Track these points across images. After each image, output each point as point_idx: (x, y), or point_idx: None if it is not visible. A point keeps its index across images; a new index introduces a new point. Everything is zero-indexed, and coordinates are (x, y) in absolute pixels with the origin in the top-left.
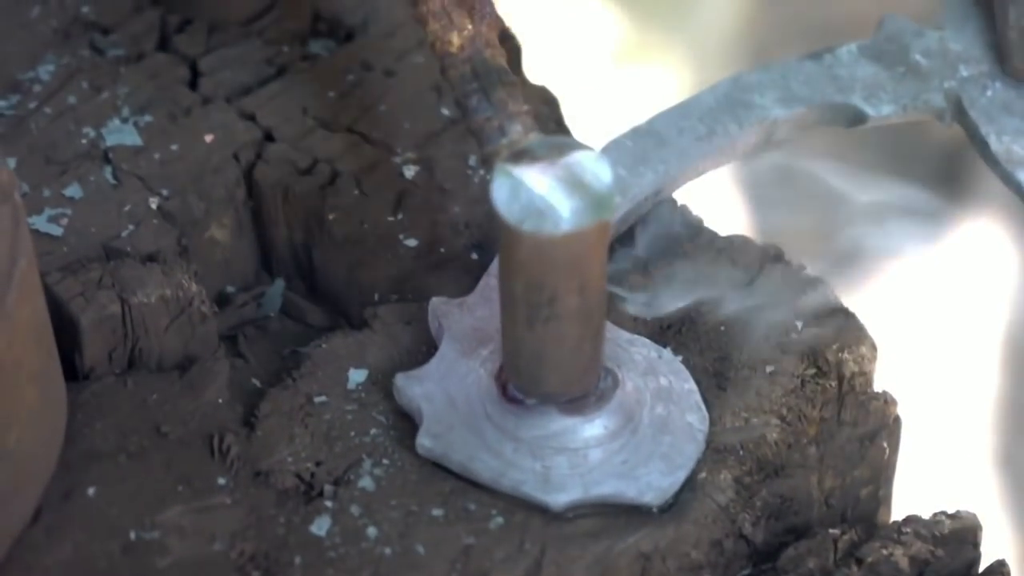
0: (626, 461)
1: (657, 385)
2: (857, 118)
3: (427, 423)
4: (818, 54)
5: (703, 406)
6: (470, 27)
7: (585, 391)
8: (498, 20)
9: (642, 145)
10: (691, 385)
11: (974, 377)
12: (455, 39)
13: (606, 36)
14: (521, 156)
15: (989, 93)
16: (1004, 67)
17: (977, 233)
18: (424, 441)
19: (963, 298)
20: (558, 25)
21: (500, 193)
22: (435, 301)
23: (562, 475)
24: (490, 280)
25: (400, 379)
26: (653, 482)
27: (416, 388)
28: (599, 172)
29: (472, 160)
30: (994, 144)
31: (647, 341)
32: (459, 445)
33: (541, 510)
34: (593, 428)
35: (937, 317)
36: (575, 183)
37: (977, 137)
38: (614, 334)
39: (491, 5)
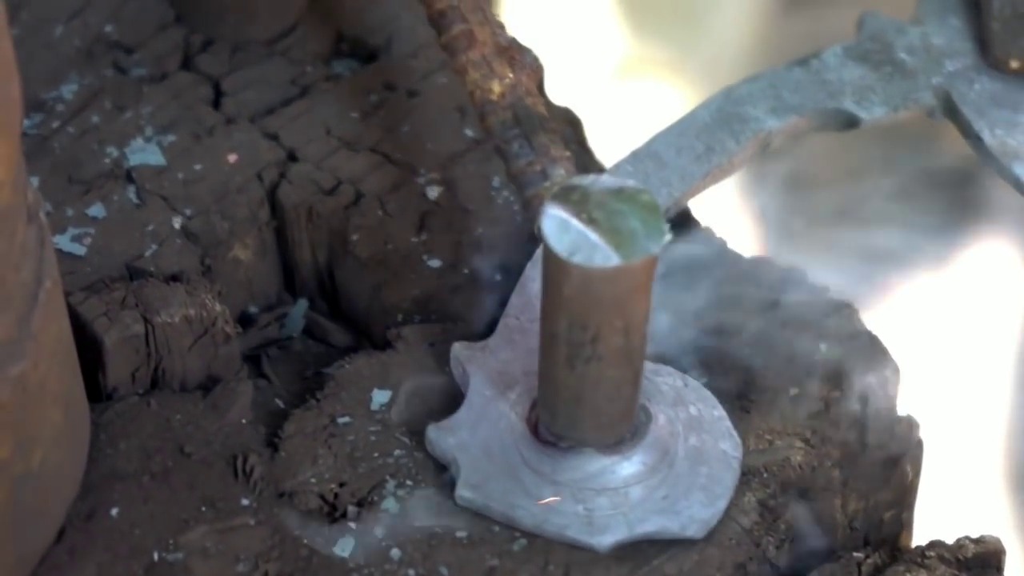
0: (667, 496)
1: (688, 415)
2: (850, 122)
3: (464, 474)
4: (805, 60)
5: (734, 432)
6: (511, 75)
7: (621, 436)
8: (538, 70)
9: (643, 168)
10: (720, 412)
11: (987, 398)
12: (496, 87)
13: (611, 51)
14: (570, 193)
15: (976, 86)
16: (987, 59)
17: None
18: (464, 493)
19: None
20: (563, 39)
21: (550, 227)
22: (457, 347)
23: (605, 516)
24: (509, 321)
25: (432, 431)
26: (695, 515)
27: (449, 439)
28: (648, 209)
29: (496, 181)
30: (988, 138)
31: (671, 370)
32: (498, 494)
33: None
34: (631, 466)
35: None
36: (624, 220)
37: (970, 132)
38: None
39: (532, 55)
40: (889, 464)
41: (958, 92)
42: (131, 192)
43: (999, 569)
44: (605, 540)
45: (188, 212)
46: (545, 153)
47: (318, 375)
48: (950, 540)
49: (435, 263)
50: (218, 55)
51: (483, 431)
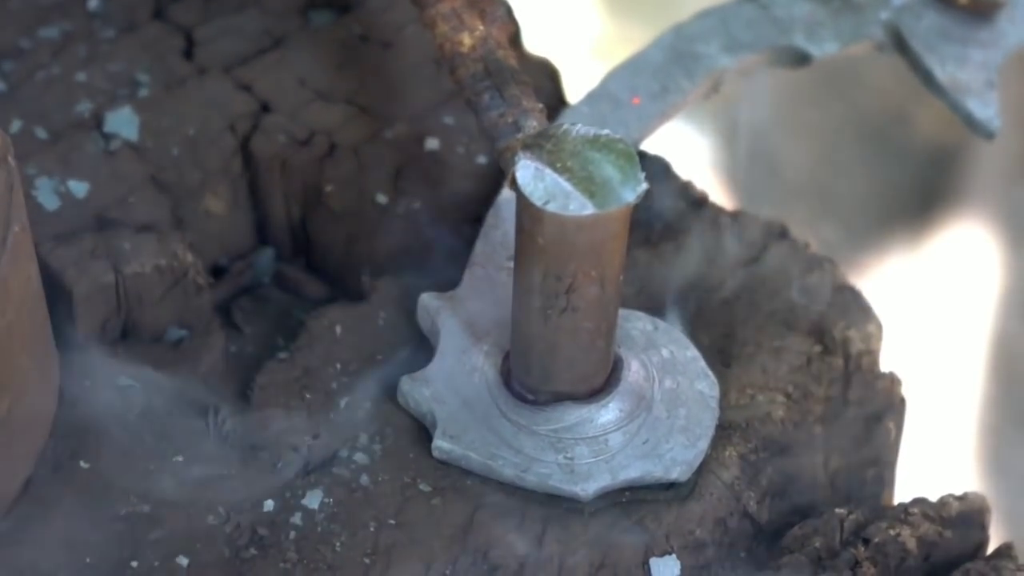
0: (647, 441)
1: (660, 358)
2: (801, 58)
3: (442, 425)
4: None
5: (709, 372)
6: (481, 28)
7: (596, 387)
8: (511, 23)
9: (599, 110)
10: (693, 352)
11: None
12: (466, 39)
13: (586, 30)
14: (543, 141)
15: (925, 21)
16: None
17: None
18: (442, 444)
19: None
20: (538, 18)
21: (523, 176)
22: (425, 297)
23: (587, 464)
24: (475, 270)
25: (406, 383)
26: (677, 457)
27: (424, 391)
28: (624, 157)
29: (470, 133)
30: (939, 73)
31: (641, 314)
32: (478, 445)
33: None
34: (609, 413)
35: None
36: (599, 168)
37: (921, 67)
38: None
39: (505, 8)
40: (871, 421)
41: (907, 27)
42: (101, 142)
43: (983, 527)
44: (588, 488)
45: (159, 163)
46: (516, 105)
47: (290, 326)
48: (934, 498)
49: (409, 215)
50: (191, 4)
51: (457, 382)
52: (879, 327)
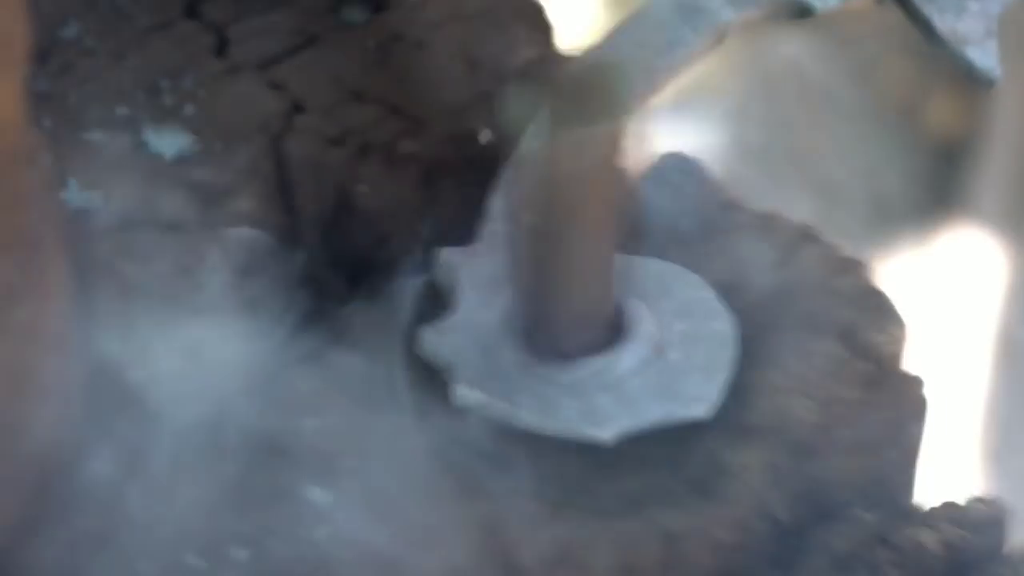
0: (665, 384)
1: (673, 303)
2: (803, 11)
3: (464, 374)
4: None
5: (725, 309)
6: None
7: (596, 335)
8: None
9: None
10: (707, 292)
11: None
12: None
13: (579, 18)
14: (534, 72)
15: None
16: None
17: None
18: (463, 390)
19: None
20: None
21: (513, 108)
22: (445, 252)
23: (607, 410)
24: (494, 225)
25: (428, 332)
26: (696, 393)
27: (445, 340)
28: (615, 76)
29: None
30: (938, 23)
31: (654, 260)
32: (499, 393)
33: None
34: (625, 361)
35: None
36: (589, 88)
37: (919, 17)
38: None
39: None
40: (897, 424)
41: None
42: (132, 141)
43: (1005, 530)
44: (610, 430)
45: (190, 162)
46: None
47: (319, 327)
48: (958, 501)
49: (441, 216)
50: (223, 2)
51: (477, 334)
52: (904, 330)
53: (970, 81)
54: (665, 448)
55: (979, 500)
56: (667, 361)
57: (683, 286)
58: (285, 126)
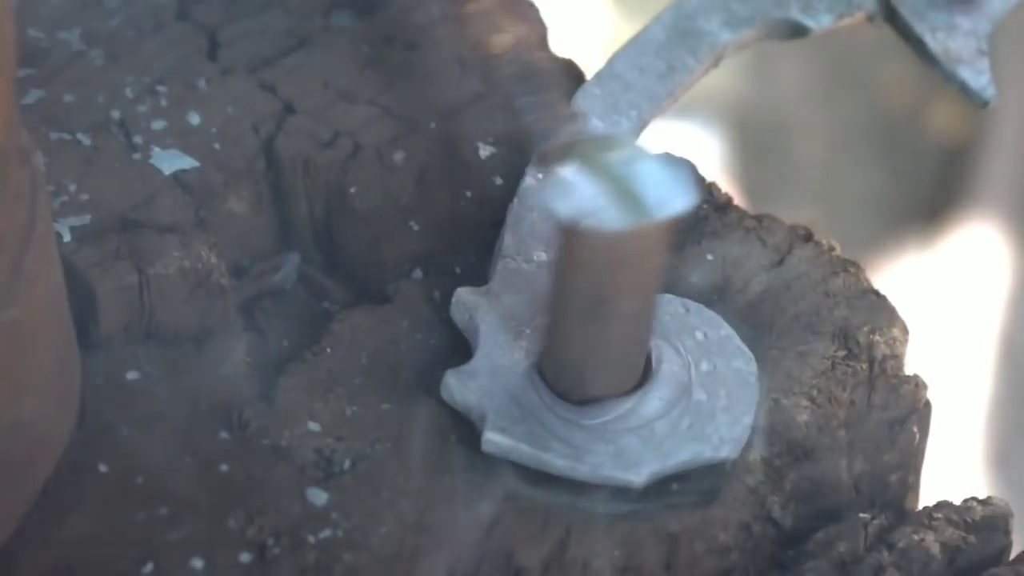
0: (691, 425)
1: (695, 341)
2: (798, 31)
3: (492, 419)
4: None
5: (745, 348)
6: (514, 29)
7: (626, 391)
8: (541, 25)
9: (610, 91)
10: (727, 330)
11: (970, 378)
12: (499, 41)
13: (596, 27)
14: (579, 153)
15: None
16: None
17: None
18: (493, 437)
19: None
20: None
21: (558, 189)
22: (461, 292)
23: (636, 452)
24: (508, 263)
25: (451, 377)
26: (724, 435)
27: (471, 385)
28: (666, 167)
29: (491, 138)
30: (930, 43)
31: (671, 297)
32: (528, 438)
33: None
34: (652, 403)
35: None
36: (639, 178)
37: (912, 37)
38: None
39: (535, 9)
40: (896, 425)
41: None
42: (125, 143)
43: (1006, 532)
44: (642, 473)
45: (183, 164)
46: (552, 109)
47: (313, 328)
48: (959, 503)
49: (433, 218)
50: (214, 5)
51: (502, 377)
52: (904, 331)
53: (965, 99)
54: None
55: (980, 502)
56: (693, 402)
57: (703, 324)
58: (277, 128)
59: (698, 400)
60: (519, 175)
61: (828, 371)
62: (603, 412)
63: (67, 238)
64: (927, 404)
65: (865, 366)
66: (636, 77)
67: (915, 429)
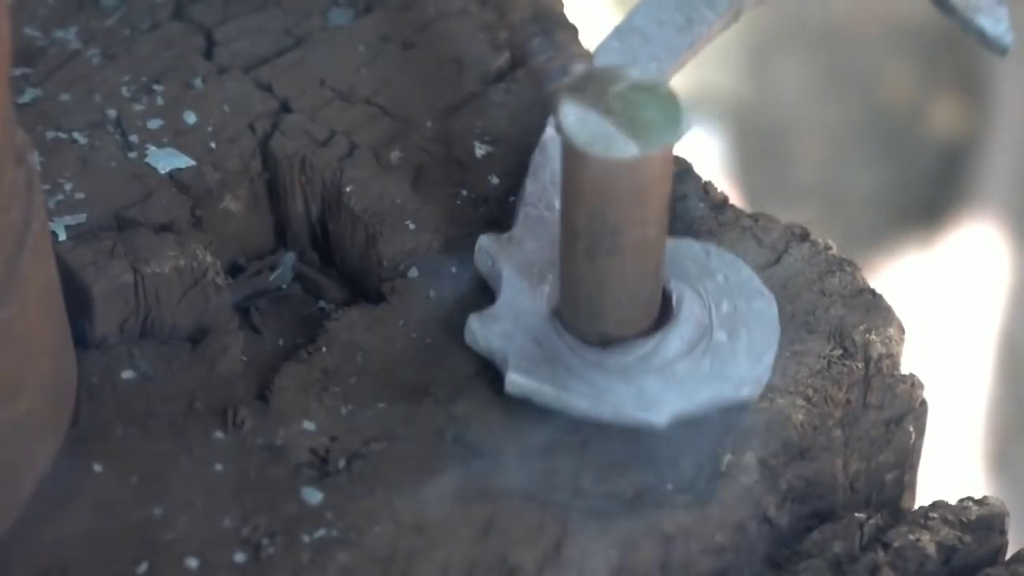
0: (712, 365)
1: (715, 283)
2: None
3: (514, 360)
4: None
5: (765, 289)
6: None
7: (641, 330)
8: None
9: (629, 44)
10: (748, 272)
11: (969, 378)
12: None
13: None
14: (588, 84)
15: None
16: None
17: (975, 234)
18: (516, 377)
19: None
20: None
21: (568, 120)
22: (483, 239)
23: (657, 393)
24: (529, 210)
25: (474, 321)
26: (745, 375)
27: (494, 327)
28: (667, 100)
29: (487, 137)
30: None
31: (691, 241)
32: (550, 379)
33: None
34: (673, 344)
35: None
36: (643, 111)
37: None
38: None
39: None
40: (892, 425)
41: None
42: (121, 142)
43: (1002, 531)
44: (663, 413)
45: (179, 162)
46: (564, 49)
47: (309, 327)
48: (955, 503)
49: (429, 216)
50: (211, 4)
51: (523, 321)
52: (900, 330)
53: (983, 47)
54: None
55: (976, 501)
56: (714, 342)
57: (723, 266)
58: (273, 127)
59: (719, 340)
60: (515, 174)
61: (824, 370)
62: (624, 353)
63: (62, 237)
64: (923, 403)
65: (861, 365)
66: (655, 30)
67: (911, 428)
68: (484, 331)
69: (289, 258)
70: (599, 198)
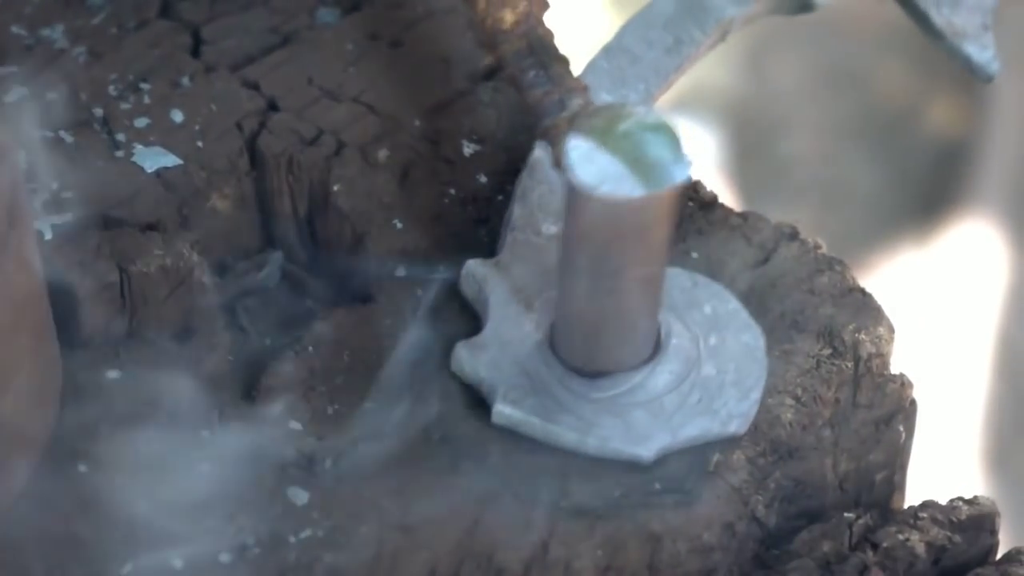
0: (700, 399)
1: (703, 315)
2: (804, 6)
3: (502, 391)
4: None
5: (752, 322)
6: (523, 4)
7: (636, 365)
8: (545, 1)
9: (617, 64)
10: (735, 304)
11: (967, 378)
12: (508, 16)
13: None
14: (592, 123)
15: None
16: None
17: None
18: (503, 409)
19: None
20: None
21: (574, 158)
22: (471, 264)
23: (645, 426)
24: (516, 235)
25: (462, 349)
26: (732, 411)
27: (481, 356)
28: (669, 137)
29: (475, 136)
30: (935, 17)
31: (678, 270)
32: (538, 410)
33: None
34: (661, 377)
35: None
36: (647, 149)
37: (917, 11)
38: None
39: None
40: (881, 424)
41: None
42: (107, 140)
43: (992, 532)
44: (651, 448)
45: (166, 161)
46: (561, 83)
47: (296, 327)
48: (942, 501)
49: (417, 215)
50: (198, 2)
51: (512, 350)
52: (890, 329)
53: (969, 74)
54: None
55: (967, 501)
56: (702, 376)
57: (710, 297)
58: (260, 125)
59: (707, 374)
60: (503, 173)
61: (813, 370)
62: (613, 385)
63: (48, 236)
64: (913, 403)
65: (850, 364)
66: (644, 50)
67: (901, 428)
68: (471, 360)
69: (276, 257)
70: (603, 239)
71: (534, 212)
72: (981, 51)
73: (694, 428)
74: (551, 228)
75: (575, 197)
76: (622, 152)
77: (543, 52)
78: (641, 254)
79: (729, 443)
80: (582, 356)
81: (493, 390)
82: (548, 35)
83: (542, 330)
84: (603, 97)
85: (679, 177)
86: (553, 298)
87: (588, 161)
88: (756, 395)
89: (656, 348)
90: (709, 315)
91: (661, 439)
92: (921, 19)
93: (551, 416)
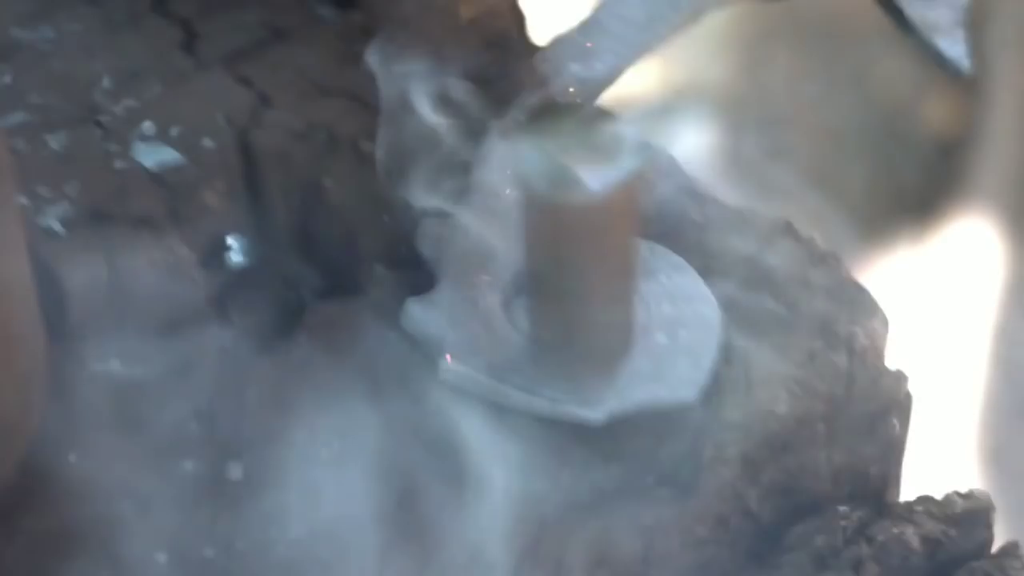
0: (651, 366)
1: (658, 284)
2: None
3: (450, 347)
4: None
5: (709, 293)
6: None
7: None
8: None
9: (588, 37)
10: (691, 275)
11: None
12: (465, 11)
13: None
14: (542, 122)
15: None
16: None
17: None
18: (451, 366)
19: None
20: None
21: (522, 162)
22: (427, 223)
23: (595, 391)
24: (475, 197)
25: (413, 305)
26: (683, 377)
27: (433, 313)
28: (626, 135)
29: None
30: (908, 10)
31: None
32: (487, 369)
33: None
34: None
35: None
36: (600, 144)
37: (890, 5)
38: None
39: None
40: (876, 418)
41: None
42: (98, 135)
43: (988, 525)
44: (599, 412)
45: (157, 157)
46: (519, 79)
47: (287, 321)
48: (938, 495)
49: (411, 210)
50: None
51: (464, 308)
52: (885, 323)
53: (940, 70)
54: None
55: (962, 495)
56: (654, 344)
57: (667, 268)
58: (252, 120)
59: (658, 342)
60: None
61: (807, 363)
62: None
63: (38, 229)
64: (908, 396)
65: (845, 358)
66: (616, 25)
67: (895, 421)
68: (423, 315)
69: (268, 251)
70: (564, 244)
71: (494, 173)
72: (952, 47)
73: (642, 393)
74: (510, 188)
75: (526, 202)
76: (572, 151)
77: (501, 47)
78: (602, 254)
79: (683, 412)
80: (559, 366)
81: (441, 346)
82: (513, 27)
83: (496, 290)
84: (571, 67)
85: (635, 170)
86: (511, 258)
87: (536, 162)
88: (707, 363)
89: None
90: (665, 284)
91: (610, 404)
92: (894, 13)
93: (499, 375)
